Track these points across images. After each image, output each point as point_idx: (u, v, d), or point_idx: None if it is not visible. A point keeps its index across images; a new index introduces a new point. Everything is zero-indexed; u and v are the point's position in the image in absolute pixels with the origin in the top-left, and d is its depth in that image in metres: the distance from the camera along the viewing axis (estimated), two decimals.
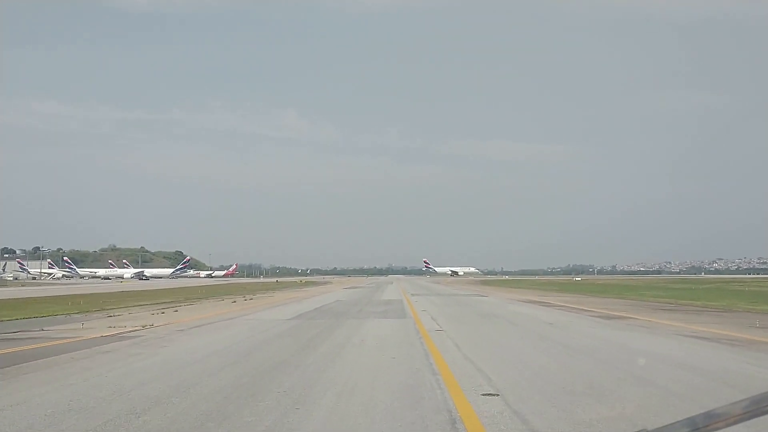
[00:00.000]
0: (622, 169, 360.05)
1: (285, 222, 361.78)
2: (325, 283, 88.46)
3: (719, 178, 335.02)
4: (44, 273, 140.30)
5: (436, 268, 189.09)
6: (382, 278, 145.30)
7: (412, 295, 39.69)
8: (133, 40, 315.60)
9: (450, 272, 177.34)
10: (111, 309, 25.16)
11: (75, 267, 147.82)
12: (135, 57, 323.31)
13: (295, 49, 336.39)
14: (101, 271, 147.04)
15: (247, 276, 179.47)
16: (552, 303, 29.11)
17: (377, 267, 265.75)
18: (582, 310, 23.60)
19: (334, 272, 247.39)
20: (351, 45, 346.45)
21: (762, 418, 1.42)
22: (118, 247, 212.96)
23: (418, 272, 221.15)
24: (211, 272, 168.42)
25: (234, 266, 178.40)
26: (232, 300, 32.40)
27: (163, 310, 23.22)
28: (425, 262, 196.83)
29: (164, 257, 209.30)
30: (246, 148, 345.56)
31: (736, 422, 1.42)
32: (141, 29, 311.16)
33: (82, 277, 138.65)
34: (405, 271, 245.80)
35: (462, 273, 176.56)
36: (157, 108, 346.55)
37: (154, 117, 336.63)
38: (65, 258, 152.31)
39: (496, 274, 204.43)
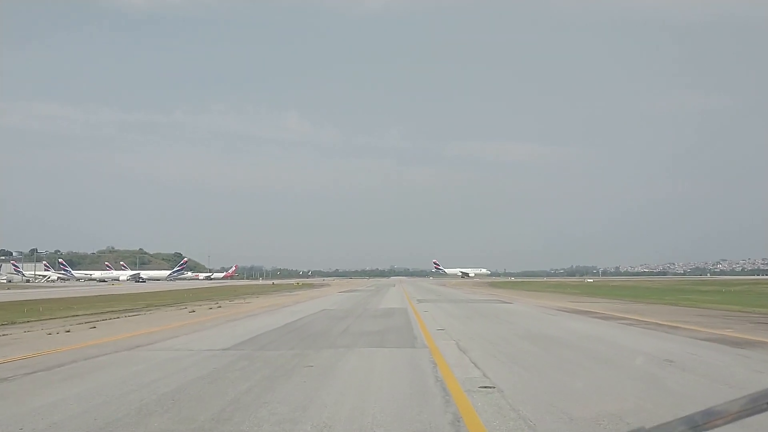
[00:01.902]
0: (624, 170, 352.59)
1: (286, 223, 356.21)
2: (322, 285, 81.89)
3: (722, 179, 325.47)
4: (39, 275, 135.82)
5: (446, 270, 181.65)
6: (383, 280, 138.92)
7: (419, 301, 32.72)
8: (134, 42, 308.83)
9: (460, 273, 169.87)
10: (31, 321, 19.39)
11: (70, 269, 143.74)
12: (136, 59, 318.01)
13: (296, 51, 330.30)
14: (97, 273, 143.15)
15: (247, 278, 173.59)
16: (601, 312, 22.33)
17: (379, 269, 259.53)
18: (658, 325, 16.54)
19: (336, 274, 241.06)
20: (352, 47, 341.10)
21: (759, 415, 1.38)
22: (116, 248, 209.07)
23: (420, 274, 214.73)
24: (210, 274, 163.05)
25: (233, 268, 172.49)
26: (192, 309, 25.72)
27: (69, 328, 16.71)
28: (435, 263, 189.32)
29: (163, 259, 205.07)
30: (248, 149, 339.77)
31: (733, 420, 1.40)
32: (142, 31, 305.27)
33: (77, 279, 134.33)
34: (408, 273, 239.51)
35: (473, 274, 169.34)
36: (158, 110, 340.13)
37: (155, 119, 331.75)
38: (61, 260, 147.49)
39: (499, 276, 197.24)
